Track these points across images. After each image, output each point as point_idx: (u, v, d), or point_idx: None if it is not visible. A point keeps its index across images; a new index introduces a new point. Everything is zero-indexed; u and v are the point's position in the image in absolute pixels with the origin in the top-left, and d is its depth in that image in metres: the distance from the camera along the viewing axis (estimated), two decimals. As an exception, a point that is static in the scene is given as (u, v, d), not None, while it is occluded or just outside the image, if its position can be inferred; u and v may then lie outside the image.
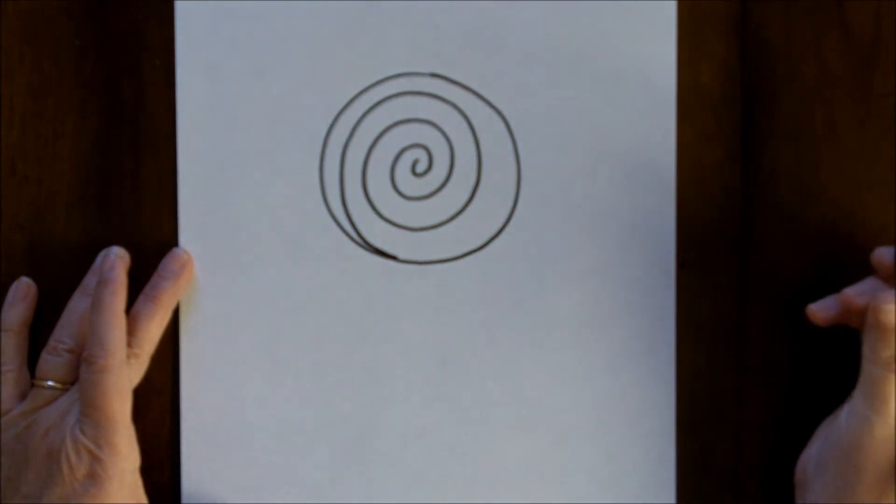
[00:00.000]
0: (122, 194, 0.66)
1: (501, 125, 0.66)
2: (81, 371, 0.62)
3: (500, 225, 0.66)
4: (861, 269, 0.67)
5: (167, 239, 0.66)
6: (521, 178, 0.66)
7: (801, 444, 0.67)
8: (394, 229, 0.66)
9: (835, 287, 0.67)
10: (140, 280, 0.65)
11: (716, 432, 0.67)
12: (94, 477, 0.60)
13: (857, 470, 0.60)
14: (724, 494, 0.67)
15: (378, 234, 0.66)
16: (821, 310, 0.63)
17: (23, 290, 0.66)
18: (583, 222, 0.66)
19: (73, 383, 0.64)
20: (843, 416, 0.61)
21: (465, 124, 0.66)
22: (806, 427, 0.67)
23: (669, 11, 0.66)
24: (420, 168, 0.66)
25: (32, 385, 0.64)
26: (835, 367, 0.67)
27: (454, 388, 0.67)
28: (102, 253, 0.65)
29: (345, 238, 0.66)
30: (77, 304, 0.65)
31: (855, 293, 0.62)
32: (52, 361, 0.64)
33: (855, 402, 0.60)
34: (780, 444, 0.67)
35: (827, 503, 0.60)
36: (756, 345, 0.67)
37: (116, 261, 0.64)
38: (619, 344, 0.66)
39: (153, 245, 0.66)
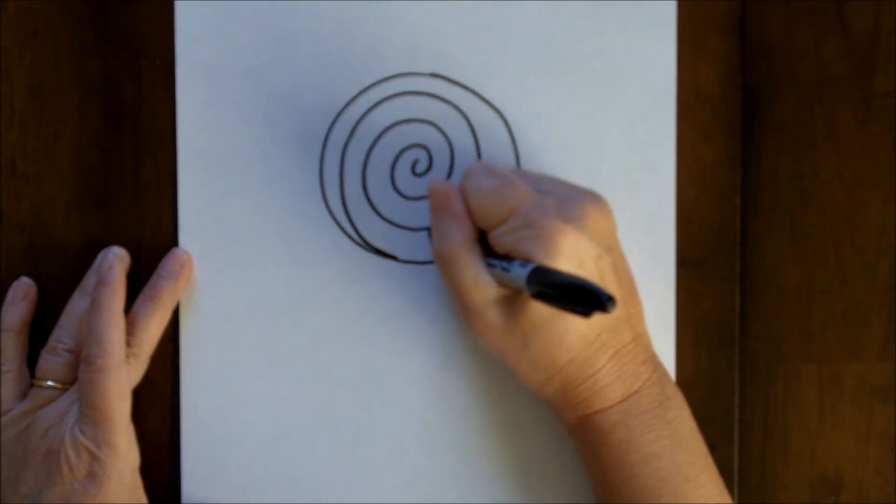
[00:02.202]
0: (122, 194, 0.66)
1: (501, 125, 0.66)
2: (81, 371, 0.62)
3: (500, 225, 0.66)
4: (861, 268, 0.67)
5: (167, 239, 0.66)
6: (521, 178, 0.66)
7: (800, 445, 0.67)
8: (394, 229, 0.66)
9: (834, 287, 0.67)
10: (140, 280, 0.65)
11: (716, 432, 0.67)
12: (94, 477, 0.60)
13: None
14: (725, 494, 0.67)
15: (378, 234, 0.66)
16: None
17: (23, 290, 0.66)
18: (583, 222, 0.66)
19: (72, 383, 0.64)
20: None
21: (465, 124, 0.66)
22: (806, 427, 0.67)
23: (669, 11, 0.66)
24: (420, 168, 0.66)
25: (32, 385, 0.64)
26: (834, 368, 0.67)
27: (454, 387, 0.67)
28: (102, 253, 0.65)
29: (345, 238, 0.66)
30: (77, 304, 0.65)
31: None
32: (52, 361, 0.64)
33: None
34: (780, 445, 0.67)
35: None
36: (756, 345, 0.67)
37: (115, 261, 0.64)
38: (619, 344, 0.66)
39: (153, 245, 0.66)
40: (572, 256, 0.58)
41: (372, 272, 0.66)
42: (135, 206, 0.66)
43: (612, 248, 0.60)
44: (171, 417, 0.67)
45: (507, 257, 0.59)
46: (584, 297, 0.54)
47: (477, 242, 0.61)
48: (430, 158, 0.66)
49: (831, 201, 0.67)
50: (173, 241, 0.66)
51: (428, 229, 0.66)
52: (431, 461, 0.67)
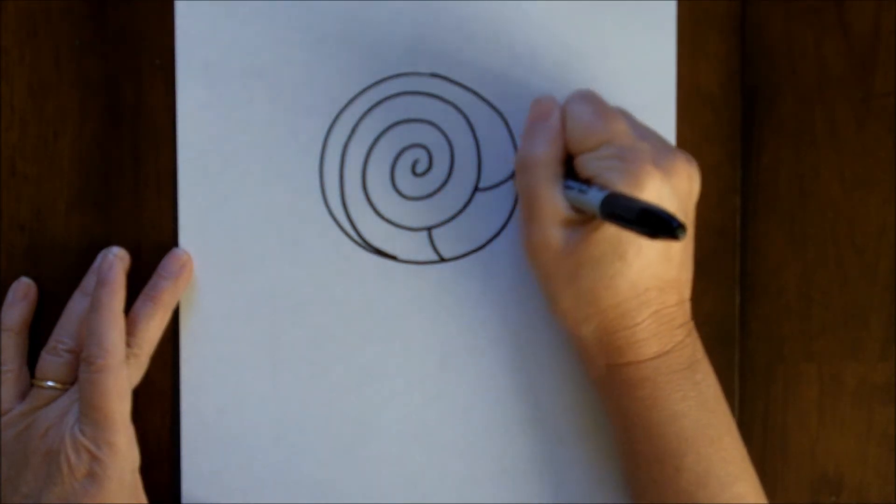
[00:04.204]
0: (122, 194, 0.66)
1: (501, 125, 0.66)
2: (81, 371, 0.62)
3: (499, 225, 0.66)
4: (861, 268, 0.67)
5: (167, 239, 0.66)
6: (521, 178, 0.66)
7: (800, 445, 0.67)
8: (394, 229, 0.66)
9: (834, 287, 0.67)
10: (140, 280, 0.65)
11: (716, 432, 0.67)
12: (94, 477, 0.60)
13: None
14: (725, 494, 0.67)
15: (378, 234, 0.66)
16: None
17: (23, 290, 0.66)
18: (583, 222, 0.66)
19: (72, 383, 0.64)
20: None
21: (465, 124, 0.66)
22: (806, 427, 0.67)
23: (669, 11, 0.66)
24: (420, 168, 0.66)
25: (32, 385, 0.64)
26: (834, 368, 0.67)
27: (454, 388, 0.67)
28: (102, 253, 0.65)
29: (345, 238, 0.66)
30: (77, 305, 0.65)
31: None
32: (52, 361, 0.64)
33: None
34: (780, 445, 0.67)
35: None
36: (756, 345, 0.67)
37: (115, 261, 0.64)
38: (619, 344, 0.66)
39: (153, 245, 0.66)
40: (652, 200, 0.58)
41: (372, 272, 0.66)
42: (135, 206, 0.66)
43: (687, 213, 0.61)
44: (171, 417, 0.67)
45: (587, 182, 0.60)
46: (655, 226, 0.54)
47: (562, 163, 0.61)
48: (430, 158, 0.66)
49: (831, 201, 0.67)
50: (173, 241, 0.66)
51: (429, 229, 0.66)
52: (431, 461, 0.67)
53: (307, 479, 0.67)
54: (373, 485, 0.67)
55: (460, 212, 0.66)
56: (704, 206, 0.67)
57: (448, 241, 0.66)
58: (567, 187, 0.61)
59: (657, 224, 0.54)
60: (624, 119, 0.61)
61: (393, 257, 0.66)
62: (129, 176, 0.66)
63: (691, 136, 0.66)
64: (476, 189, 0.66)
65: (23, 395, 0.64)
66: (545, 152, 0.61)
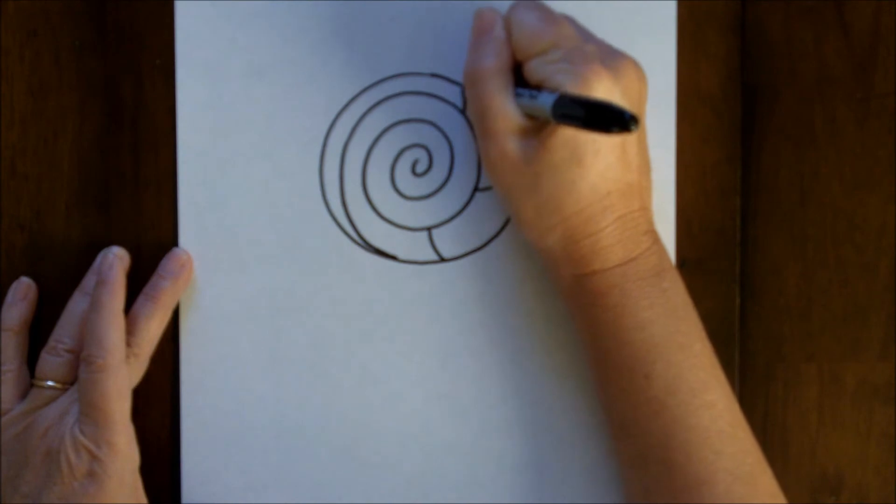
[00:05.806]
0: (122, 194, 0.66)
1: (501, 125, 0.66)
2: (81, 371, 0.62)
3: (499, 225, 0.67)
4: (861, 268, 0.67)
5: (167, 239, 0.66)
6: (521, 178, 0.66)
7: (800, 445, 0.67)
8: (394, 229, 0.66)
9: (834, 287, 0.67)
10: (140, 280, 0.65)
11: (716, 432, 0.67)
12: (94, 476, 0.60)
13: None
14: (725, 494, 0.67)
15: (378, 234, 0.66)
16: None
17: (23, 290, 0.66)
18: (583, 222, 0.66)
19: (72, 383, 0.64)
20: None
21: (464, 124, 0.66)
22: (806, 427, 0.67)
23: (669, 11, 0.66)
24: (420, 168, 0.66)
25: (32, 385, 0.64)
26: (834, 368, 0.67)
27: (454, 388, 0.67)
28: (102, 253, 0.65)
29: (345, 238, 0.66)
30: (77, 304, 0.65)
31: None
32: (52, 361, 0.64)
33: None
34: (780, 445, 0.67)
35: None
36: (756, 345, 0.67)
37: (115, 261, 0.64)
38: (619, 344, 0.66)
39: (153, 245, 0.66)
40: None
41: (372, 272, 0.66)
42: (135, 206, 0.66)
43: (640, 115, 0.61)
44: (171, 417, 0.67)
45: (537, 87, 0.59)
46: (607, 121, 0.54)
47: (511, 72, 0.61)
48: (430, 158, 0.66)
49: (831, 201, 0.67)
50: (173, 241, 0.66)
51: (429, 229, 0.66)
52: (431, 462, 0.67)
53: (307, 479, 0.67)
54: (373, 485, 0.67)
55: (460, 212, 0.66)
56: (704, 206, 0.67)
57: (448, 241, 0.66)
58: (518, 95, 0.60)
59: (609, 119, 0.54)
60: (569, 23, 0.61)
61: (393, 257, 0.66)
62: (129, 176, 0.66)
63: (691, 136, 0.66)
64: (476, 189, 0.66)
65: (23, 395, 0.64)
66: (493, 62, 0.60)
